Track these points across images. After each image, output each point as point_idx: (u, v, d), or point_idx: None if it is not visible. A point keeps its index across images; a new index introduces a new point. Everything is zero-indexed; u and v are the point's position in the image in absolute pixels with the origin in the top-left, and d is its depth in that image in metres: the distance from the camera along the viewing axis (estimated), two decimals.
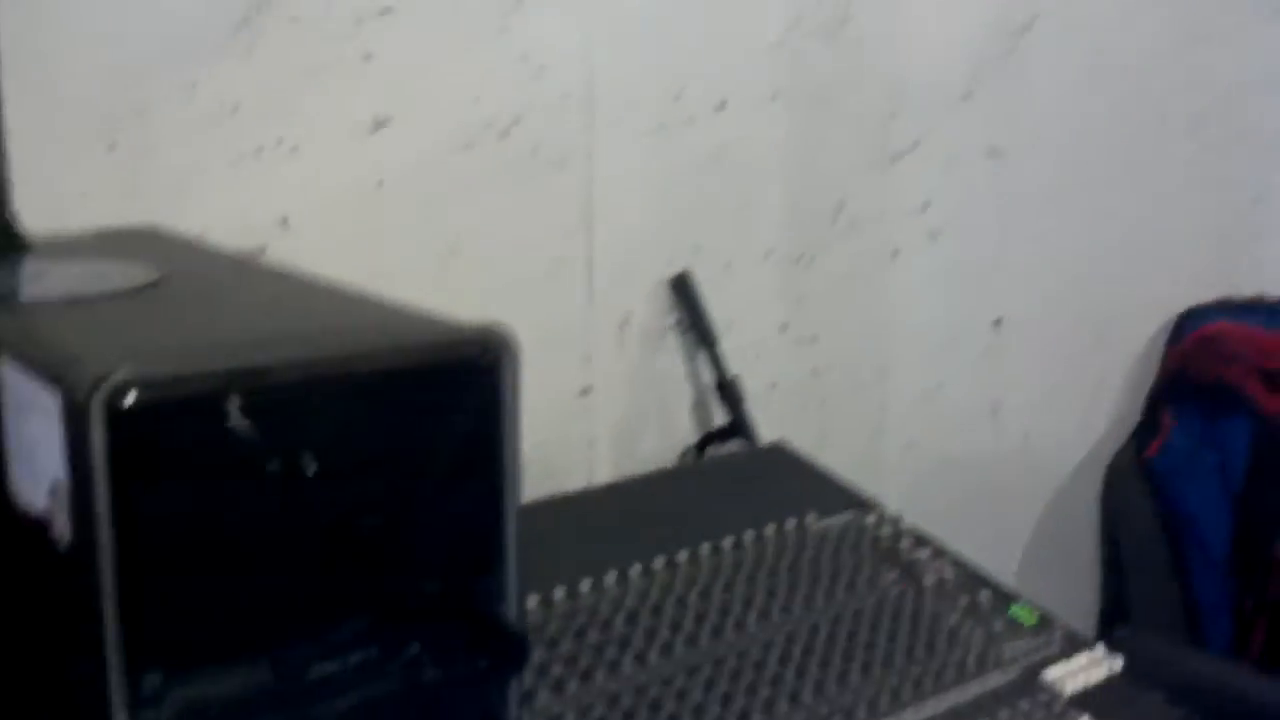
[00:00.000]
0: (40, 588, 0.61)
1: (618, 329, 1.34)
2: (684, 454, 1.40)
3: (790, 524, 1.11)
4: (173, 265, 0.83)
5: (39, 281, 0.77)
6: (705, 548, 1.06)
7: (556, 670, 0.90)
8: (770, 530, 1.10)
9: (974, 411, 1.67)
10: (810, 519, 1.12)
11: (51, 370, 0.58)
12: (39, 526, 0.59)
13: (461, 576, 0.63)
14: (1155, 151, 1.80)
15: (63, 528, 0.57)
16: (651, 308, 1.36)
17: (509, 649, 0.62)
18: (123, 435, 0.55)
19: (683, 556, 1.04)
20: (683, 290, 1.37)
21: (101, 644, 0.55)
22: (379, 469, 0.62)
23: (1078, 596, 1.78)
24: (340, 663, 0.60)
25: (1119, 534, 1.76)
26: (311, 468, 0.59)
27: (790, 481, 1.20)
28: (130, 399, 0.54)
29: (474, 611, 0.62)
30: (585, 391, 1.33)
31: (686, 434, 1.40)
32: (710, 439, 1.38)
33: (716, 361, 1.37)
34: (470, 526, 0.63)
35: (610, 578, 1.00)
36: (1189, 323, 1.80)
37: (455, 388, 0.63)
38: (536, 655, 0.91)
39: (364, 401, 0.61)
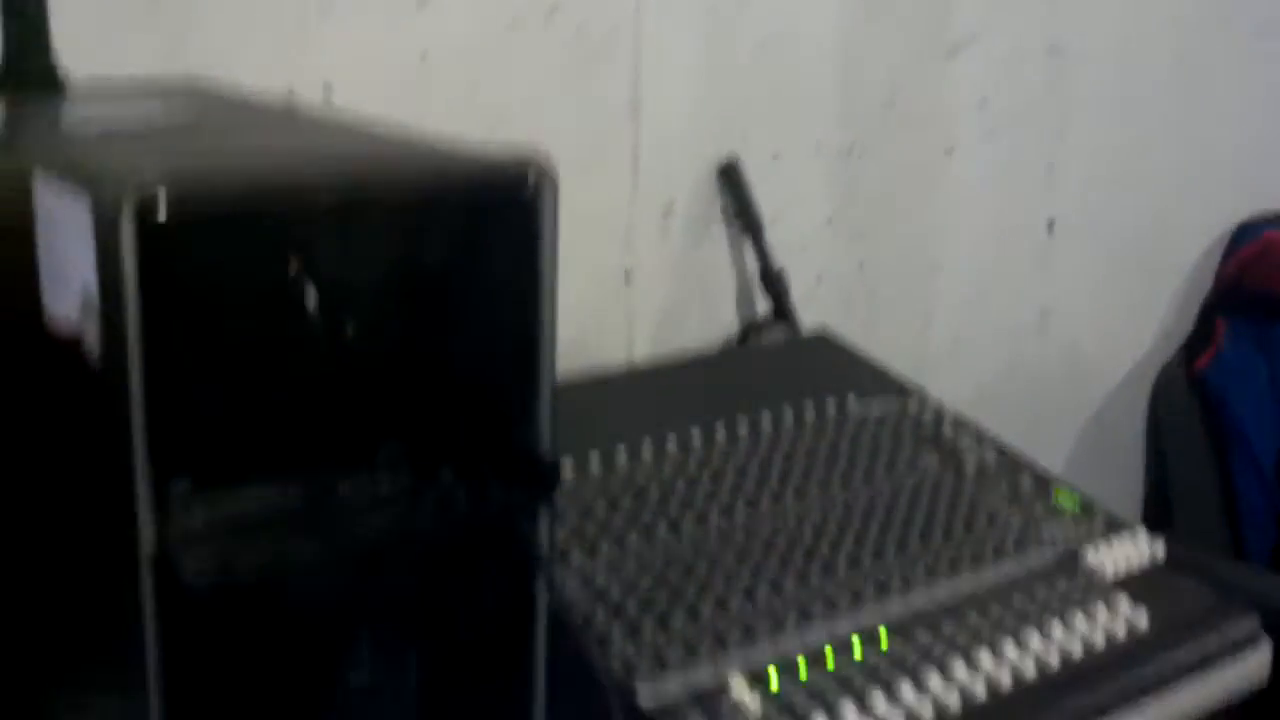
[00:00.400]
0: (73, 403, 0.61)
1: (662, 216, 1.33)
2: (726, 344, 1.38)
3: (831, 406, 1.10)
4: (213, 109, 0.82)
5: (76, 117, 0.77)
6: (743, 425, 1.05)
7: (590, 532, 0.90)
8: (810, 411, 1.09)
9: (1023, 315, 1.65)
10: (851, 402, 1.11)
11: (84, 182, 0.57)
12: (71, 342, 0.59)
13: (496, 407, 0.63)
14: (1218, 58, 1.75)
15: (93, 341, 0.57)
16: (697, 195, 1.34)
17: (541, 480, 0.62)
18: (154, 246, 0.54)
19: (720, 432, 1.04)
20: (730, 179, 1.35)
21: (130, 452, 0.55)
22: (416, 296, 0.61)
23: (1121, 506, 1.75)
24: (371, 488, 0.60)
25: (1165, 444, 1.74)
26: (347, 302, 0.59)
27: (833, 367, 1.19)
28: (163, 210, 0.53)
29: (507, 442, 0.62)
30: (627, 278, 1.32)
31: (729, 324, 1.39)
32: (753, 329, 1.37)
33: (762, 251, 1.35)
34: (506, 358, 0.63)
35: (647, 449, 1.00)
36: (1247, 233, 1.76)
37: (495, 216, 0.62)
38: (571, 519, 0.91)
39: (402, 227, 0.60)
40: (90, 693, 0.65)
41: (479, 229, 0.62)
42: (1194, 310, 1.79)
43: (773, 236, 1.36)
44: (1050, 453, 1.71)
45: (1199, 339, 1.75)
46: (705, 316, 1.37)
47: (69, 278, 0.59)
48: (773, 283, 1.35)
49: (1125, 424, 1.79)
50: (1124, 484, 1.78)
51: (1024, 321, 1.65)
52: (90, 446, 0.59)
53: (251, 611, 0.57)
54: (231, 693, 0.58)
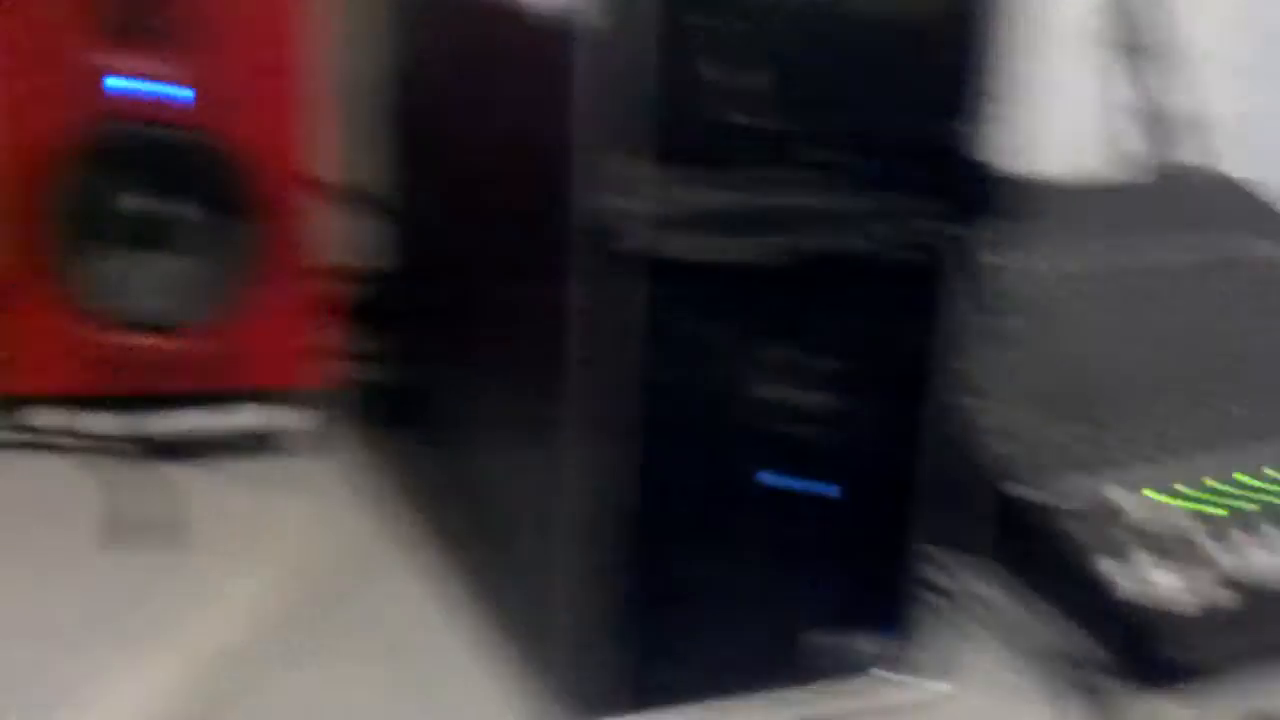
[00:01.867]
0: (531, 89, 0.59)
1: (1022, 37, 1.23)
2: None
3: (1233, 243, 1.03)
4: None
5: None
6: (1125, 254, 0.98)
7: None
8: (1212, 248, 1.02)
9: None
10: (1255, 242, 1.03)
11: None
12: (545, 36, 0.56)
13: (939, 120, 0.58)
14: None
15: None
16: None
17: (980, 196, 0.58)
18: None
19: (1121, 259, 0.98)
20: None
21: (573, 118, 0.53)
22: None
23: None
24: (809, 195, 0.57)
25: None
26: None
27: (1233, 206, 1.10)
28: None
29: (948, 154, 0.58)
30: None
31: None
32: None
33: (1145, 84, 1.24)
34: (952, 66, 0.58)
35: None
36: None
37: None
38: None
39: None
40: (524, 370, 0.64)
41: None
42: None
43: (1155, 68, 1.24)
44: None
45: None
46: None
47: None
48: (1154, 122, 1.24)
49: None
50: None
51: None
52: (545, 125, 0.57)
53: (677, 298, 0.55)
54: (643, 378, 0.56)
